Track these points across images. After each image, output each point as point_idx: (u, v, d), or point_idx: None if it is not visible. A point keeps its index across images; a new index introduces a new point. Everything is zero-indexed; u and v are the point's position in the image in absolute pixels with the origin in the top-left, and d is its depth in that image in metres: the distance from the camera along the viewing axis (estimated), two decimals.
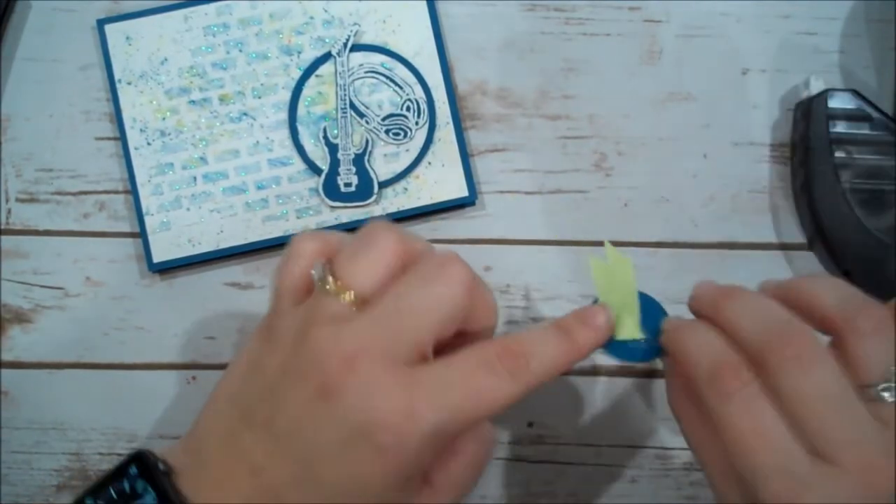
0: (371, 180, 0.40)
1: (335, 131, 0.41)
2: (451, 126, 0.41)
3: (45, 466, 0.40)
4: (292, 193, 0.41)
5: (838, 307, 0.28)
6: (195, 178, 0.41)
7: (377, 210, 0.40)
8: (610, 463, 0.41)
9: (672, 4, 0.42)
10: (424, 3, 0.41)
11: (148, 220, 0.40)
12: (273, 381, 0.28)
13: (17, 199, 0.41)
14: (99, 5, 0.42)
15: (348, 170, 0.40)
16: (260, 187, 0.41)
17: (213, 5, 0.41)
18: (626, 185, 0.42)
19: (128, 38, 0.41)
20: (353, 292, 0.28)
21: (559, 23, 0.42)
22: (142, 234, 0.40)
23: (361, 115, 0.41)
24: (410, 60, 0.41)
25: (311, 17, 0.41)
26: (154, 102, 0.41)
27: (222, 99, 0.41)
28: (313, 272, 0.29)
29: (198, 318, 0.41)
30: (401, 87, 0.41)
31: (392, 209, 0.41)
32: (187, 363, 0.41)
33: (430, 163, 0.41)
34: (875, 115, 0.39)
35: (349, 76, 0.41)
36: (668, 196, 0.42)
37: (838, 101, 0.39)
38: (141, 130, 0.41)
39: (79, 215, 0.41)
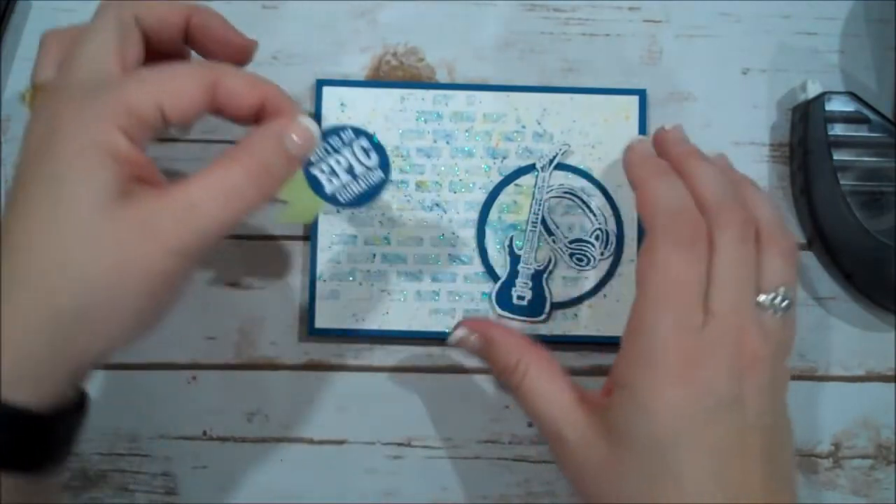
0: (545, 299, 0.40)
1: (521, 243, 0.41)
2: (634, 264, 0.40)
3: None
4: (464, 293, 0.41)
5: (774, 230, 0.34)
6: (374, 256, 0.41)
7: (544, 329, 0.40)
8: None
9: (672, 4, 0.42)
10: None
11: (319, 286, 0.40)
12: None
13: None
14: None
15: (525, 283, 0.40)
16: (435, 280, 0.41)
17: (430, 92, 0.41)
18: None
19: (342, 104, 0.41)
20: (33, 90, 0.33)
21: (559, 23, 0.42)
22: (310, 299, 0.40)
23: (550, 233, 0.41)
24: (611, 192, 0.41)
25: (524, 127, 0.41)
26: None
27: (419, 185, 0.41)
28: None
29: (198, 318, 0.41)
30: (595, 215, 0.41)
31: (558, 331, 0.41)
32: (187, 363, 0.41)
33: (605, 295, 0.41)
34: (873, 117, 0.39)
35: (547, 192, 0.41)
36: None
37: (836, 104, 0.39)
38: None
39: None
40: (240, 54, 0.35)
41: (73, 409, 0.29)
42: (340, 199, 0.35)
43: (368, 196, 0.35)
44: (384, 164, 0.35)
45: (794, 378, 0.41)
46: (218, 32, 0.35)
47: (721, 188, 0.33)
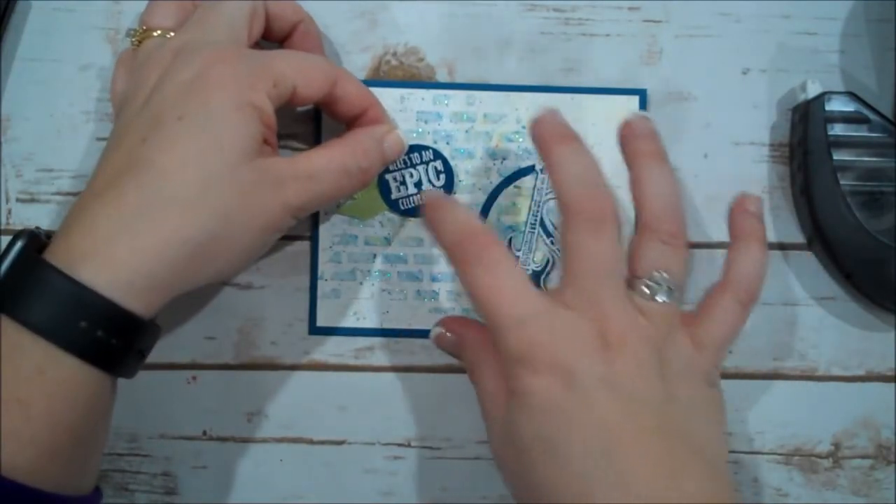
0: None
1: (519, 244, 0.41)
2: None
3: None
4: (464, 292, 0.40)
5: (657, 213, 0.34)
6: (375, 256, 0.41)
7: None
8: None
9: (672, 4, 0.42)
10: None
11: (320, 285, 0.41)
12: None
13: (18, 200, 0.41)
14: (99, 5, 0.42)
15: None
16: (434, 279, 0.41)
17: (431, 92, 0.41)
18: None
19: None
20: (157, 30, 0.35)
21: (559, 23, 0.42)
22: (311, 298, 0.41)
23: (548, 234, 0.41)
24: None
25: (524, 127, 0.41)
26: None
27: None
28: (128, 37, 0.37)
29: (198, 318, 0.41)
30: None
31: None
32: (187, 363, 0.41)
33: None
34: (873, 117, 0.39)
35: (546, 194, 0.41)
36: None
37: (836, 104, 0.39)
38: None
39: None
40: None
41: (156, 324, 0.33)
42: (401, 206, 0.40)
43: None
44: (448, 186, 0.40)
45: (794, 378, 0.41)
46: (314, 42, 0.38)
47: (579, 175, 0.33)
